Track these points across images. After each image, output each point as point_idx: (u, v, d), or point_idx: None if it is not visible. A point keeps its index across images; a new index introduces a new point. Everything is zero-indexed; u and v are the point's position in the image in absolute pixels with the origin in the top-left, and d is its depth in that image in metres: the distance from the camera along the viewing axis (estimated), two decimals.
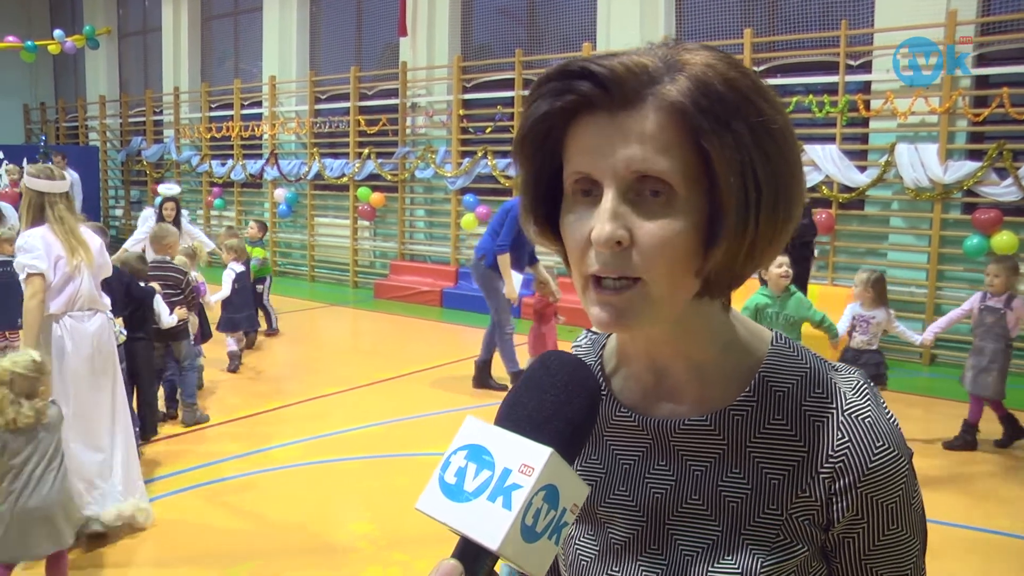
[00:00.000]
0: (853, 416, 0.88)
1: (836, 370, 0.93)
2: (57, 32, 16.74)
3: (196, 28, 16.62)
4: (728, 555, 0.89)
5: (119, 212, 18.52)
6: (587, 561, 0.99)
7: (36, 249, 4.13)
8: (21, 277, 4.18)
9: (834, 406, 0.89)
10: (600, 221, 0.81)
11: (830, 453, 0.87)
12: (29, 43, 16.47)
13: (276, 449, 5.79)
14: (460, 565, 0.77)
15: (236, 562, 4.19)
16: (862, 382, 0.92)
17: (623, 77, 0.80)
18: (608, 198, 0.82)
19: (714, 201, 0.81)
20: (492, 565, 0.79)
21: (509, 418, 0.83)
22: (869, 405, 0.89)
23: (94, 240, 4.42)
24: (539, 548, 0.77)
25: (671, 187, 0.80)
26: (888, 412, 0.91)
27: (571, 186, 0.86)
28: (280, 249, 15.01)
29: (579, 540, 1.00)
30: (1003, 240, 7.74)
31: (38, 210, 4.24)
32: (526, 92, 8.73)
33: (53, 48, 16.71)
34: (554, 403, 0.83)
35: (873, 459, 0.87)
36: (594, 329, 1.04)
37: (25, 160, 15.10)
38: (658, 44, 0.86)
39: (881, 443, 0.87)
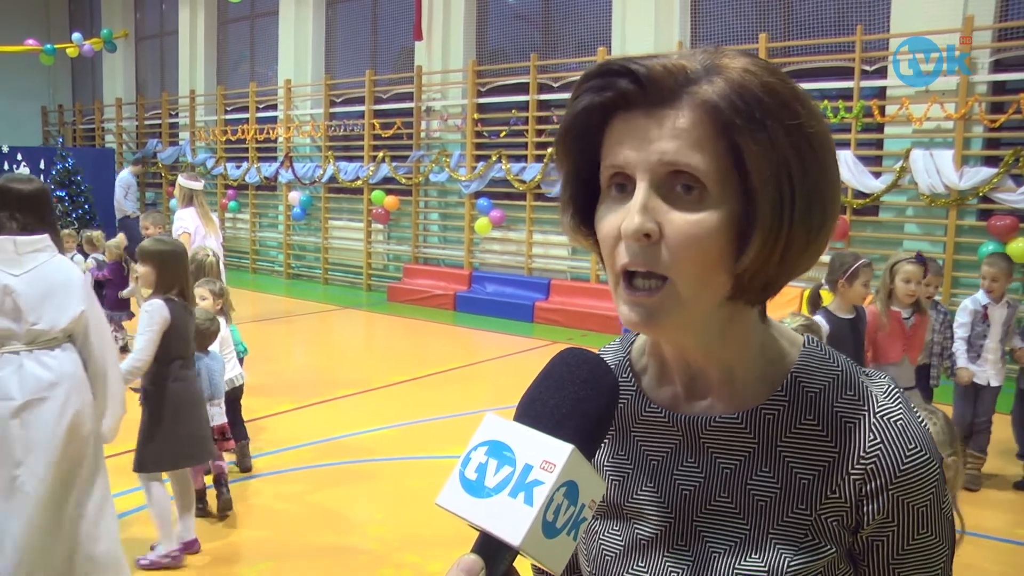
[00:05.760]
0: (885, 419, 0.88)
1: (867, 375, 0.94)
2: (75, 35, 16.87)
3: (212, 32, 16.71)
4: (755, 553, 0.89)
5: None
6: (612, 556, 0.99)
7: (185, 219, 6.95)
8: (177, 235, 6.66)
9: (866, 408, 0.89)
10: (630, 213, 0.83)
11: (862, 454, 0.87)
12: (48, 46, 16.59)
13: (289, 451, 5.81)
14: (481, 560, 0.78)
15: (249, 563, 4.22)
16: (892, 386, 0.92)
17: (661, 76, 0.82)
18: (640, 191, 0.83)
19: (747, 201, 0.82)
20: (511, 561, 0.79)
21: (528, 414, 0.83)
22: (901, 408, 0.90)
23: (217, 219, 7.26)
24: (558, 544, 0.78)
25: (703, 184, 0.82)
26: (919, 417, 0.91)
27: (607, 180, 0.88)
28: (294, 252, 15.07)
29: (604, 535, 1.00)
30: (1019, 247, 7.69)
31: (188, 199, 7.05)
32: (541, 96, 8.73)
33: (71, 51, 16.84)
34: (574, 399, 0.83)
35: (905, 462, 0.87)
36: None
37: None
38: (700, 49, 0.87)
39: (913, 446, 0.88)
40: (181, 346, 4.15)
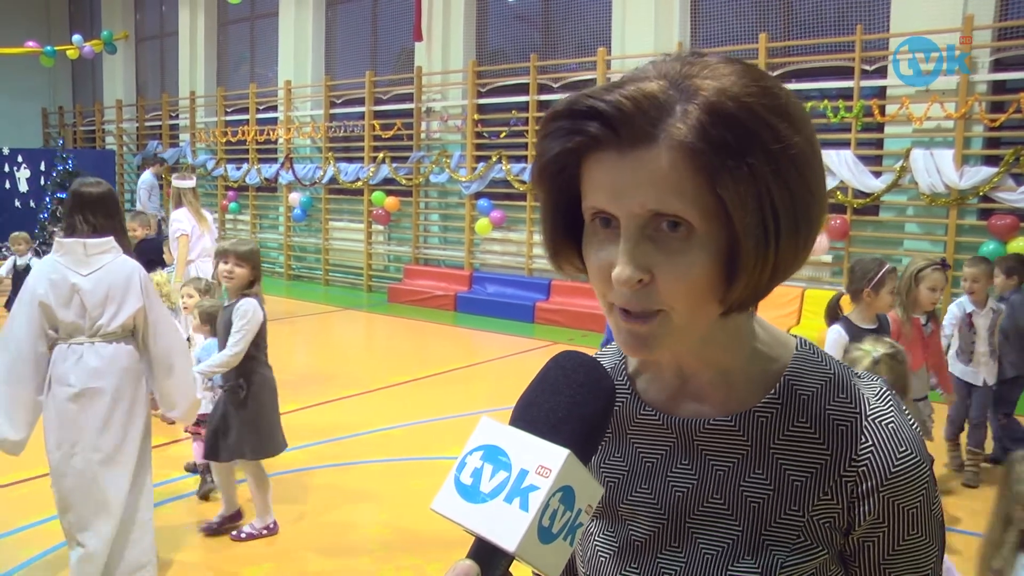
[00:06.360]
0: (877, 421, 0.89)
1: (859, 377, 0.94)
2: (76, 37, 16.88)
3: (212, 33, 16.71)
4: (748, 555, 0.90)
5: None
6: (605, 558, 0.99)
7: (181, 220, 7.21)
8: (175, 236, 7.15)
9: (858, 411, 0.90)
10: (619, 263, 0.81)
11: (854, 456, 0.88)
12: (48, 48, 16.60)
13: (290, 452, 5.79)
14: (476, 565, 0.77)
15: (251, 563, 4.21)
16: (885, 389, 0.93)
17: (631, 115, 0.78)
18: (625, 239, 0.82)
19: (733, 231, 0.80)
20: (507, 566, 0.79)
21: (524, 418, 0.83)
22: (892, 411, 0.90)
23: (209, 216, 7.56)
24: (554, 549, 0.77)
25: (688, 222, 0.80)
26: (910, 419, 0.92)
27: (589, 217, 0.86)
28: (295, 253, 15.07)
29: (598, 537, 1.01)
30: (1019, 247, 7.68)
31: (178, 199, 7.38)
32: (541, 97, 8.67)
33: (72, 53, 16.85)
34: (570, 403, 0.83)
35: (896, 464, 0.87)
36: None
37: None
38: (673, 58, 0.84)
39: (904, 448, 0.88)
40: (264, 340, 4.47)
